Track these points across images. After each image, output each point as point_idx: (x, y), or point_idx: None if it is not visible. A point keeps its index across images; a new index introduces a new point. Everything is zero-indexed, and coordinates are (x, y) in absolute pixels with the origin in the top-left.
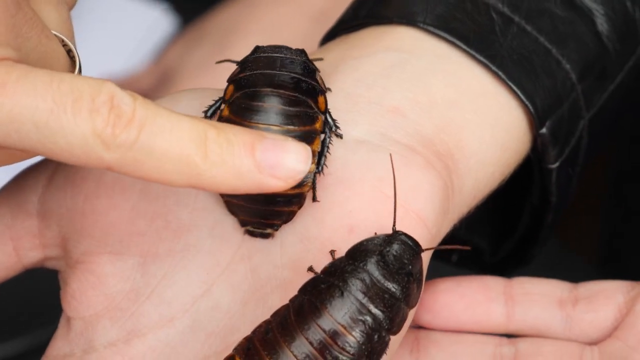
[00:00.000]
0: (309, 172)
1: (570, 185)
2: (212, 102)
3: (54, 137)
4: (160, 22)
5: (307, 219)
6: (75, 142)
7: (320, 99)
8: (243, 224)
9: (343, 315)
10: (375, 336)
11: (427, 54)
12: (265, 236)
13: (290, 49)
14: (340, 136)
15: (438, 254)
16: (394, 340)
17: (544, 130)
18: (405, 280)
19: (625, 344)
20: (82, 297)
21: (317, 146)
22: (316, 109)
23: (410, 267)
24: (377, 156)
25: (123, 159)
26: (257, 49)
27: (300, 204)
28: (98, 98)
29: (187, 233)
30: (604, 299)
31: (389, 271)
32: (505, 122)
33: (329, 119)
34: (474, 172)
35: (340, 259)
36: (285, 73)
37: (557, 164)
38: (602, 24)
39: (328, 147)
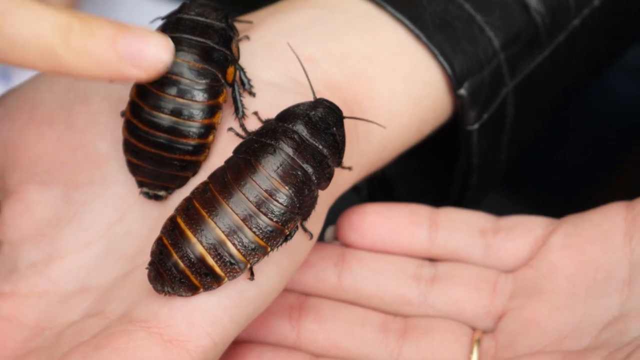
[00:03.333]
0: (213, 124)
1: (497, 151)
2: None
3: None
4: None
5: (210, 152)
6: None
7: (230, 70)
8: (140, 184)
9: (276, 170)
10: (306, 189)
11: (350, 12)
12: (159, 198)
13: (215, 10)
14: (253, 95)
15: None
16: (323, 203)
17: (462, 91)
18: (330, 139)
19: (538, 273)
20: (11, 223)
21: (219, 118)
22: (223, 82)
23: (334, 128)
24: (283, 97)
25: None
26: (183, 6)
27: (194, 171)
28: None
29: (105, 164)
30: (522, 231)
31: (316, 131)
32: (421, 79)
33: (243, 77)
34: (383, 121)
35: (270, 121)
36: (201, 41)
37: (476, 126)
38: None
39: (241, 98)
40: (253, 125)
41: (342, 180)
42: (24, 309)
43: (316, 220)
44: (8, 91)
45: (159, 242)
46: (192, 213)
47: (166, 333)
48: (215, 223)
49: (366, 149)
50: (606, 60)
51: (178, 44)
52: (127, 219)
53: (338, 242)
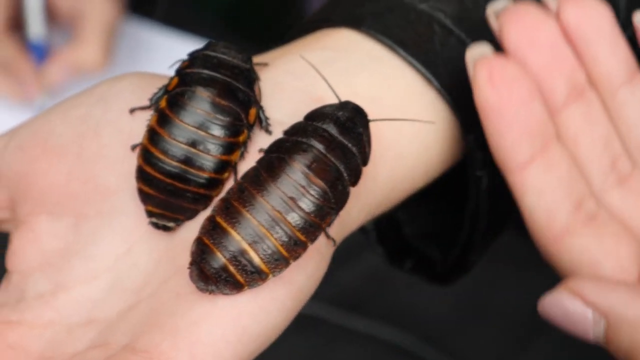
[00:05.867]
0: (230, 161)
1: (507, 195)
2: (148, 85)
3: None
4: None
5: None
6: None
7: (252, 111)
8: (149, 214)
9: (310, 165)
10: (339, 185)
11: (360, 54)
12: (167, 229)
13: (239, 53)
14: (269, 132)
15: (392, 261)
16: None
17: (471, 136)
18: (358, 138)
19: None
20: (20, 253)
21: (237, 156)
22: (244, 122)
23: (361, 128)
24: None
25: None
26: (210, 45)
27: (205, 205)
28: None
29: (114, 197)
30: None
31: (345, 129)
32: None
33: (261, 115)
34: (390, 162)
35: (299, 122)
36: (227, 80)
37: (485, 171)
38: None
39: (250, 137)
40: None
41: (349, 221)
42: (30, 338)
43: (321, 261)
44: (22, 123)
45: (199, 242)
46: (231, 212)
47: None
48: (257, 219)
49: (373, 189)
50: None
51: (203, 80)
52: (134, 252)
53: None
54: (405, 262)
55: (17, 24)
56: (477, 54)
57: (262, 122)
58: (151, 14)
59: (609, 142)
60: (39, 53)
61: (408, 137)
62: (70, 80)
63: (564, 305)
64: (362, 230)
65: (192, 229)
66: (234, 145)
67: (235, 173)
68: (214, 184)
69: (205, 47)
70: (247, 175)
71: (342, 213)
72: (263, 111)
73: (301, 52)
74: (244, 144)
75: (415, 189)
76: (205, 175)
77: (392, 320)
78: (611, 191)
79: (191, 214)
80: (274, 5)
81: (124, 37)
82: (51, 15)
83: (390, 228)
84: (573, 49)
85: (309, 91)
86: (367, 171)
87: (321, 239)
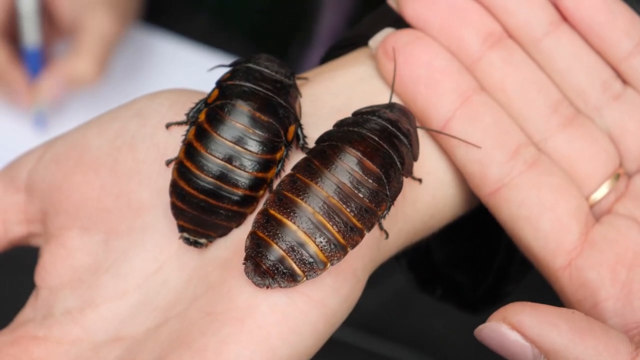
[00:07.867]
0: (266, 178)
1: None
2: (186, 101)
3: None
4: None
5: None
6: None
7: (291, 128)
8: (181, 229)
9: (364, 151)
10: (392, 172)
11: None
12: (198, 245)
13: (282, 67)
14: (305, 150)
15: (423, 288)
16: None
17: None
18: (407, 131)
19: None
20: (51, 269)
21: (272, 174)
22: (283, 139)
23: (409, 125)
24: None
25: None
26: (252, 57)
27: (238, 223)
28: None
29: (146, 213)
30: None
31: (395, 123)
32: None
33: (299, 132)
34: (431, 188)
35: (347, 117)
36: (269, 95)
37: None
38: None
39: (288, 155)
40: None
41: (385, 248)
42: (55, 355)
43: (357, 284)
44: (58, 136)
45: (254, 236)
46: (285, 202)
47: None
48: (313, 208)
49: (412, 216)
50: None
51: (244, 93)
52: (165, 270)
53: None
54: (435, 289)
55: (13, 34)
56: (378, 40)
57: (300, 140)
58: (171, 27)
59: (543, 86)
60: (34, 61)
61: (448, 163)
62: (65, 93)
63: (503, 337)
64: (394, 256)
65: (224, 247)
66: (270, 163)
67: (271, 191)
68: (248, 201)
69: (247, 59)
70: (297, 166)
71: (379, 240)
72: (302, 129)
73: (339, 69)
74: (281, 162)
75: (454, 216)
76: (240, 192)
77: (414, 344)
78: (555, 136)
79: (224, 231)
80: (289, 19)
81: (137, 46)
82: (53, 26)
83: (421, 255)
84: (479, 2)
85: (346, 110)
86: (407, 196)
87: (358, 262)
